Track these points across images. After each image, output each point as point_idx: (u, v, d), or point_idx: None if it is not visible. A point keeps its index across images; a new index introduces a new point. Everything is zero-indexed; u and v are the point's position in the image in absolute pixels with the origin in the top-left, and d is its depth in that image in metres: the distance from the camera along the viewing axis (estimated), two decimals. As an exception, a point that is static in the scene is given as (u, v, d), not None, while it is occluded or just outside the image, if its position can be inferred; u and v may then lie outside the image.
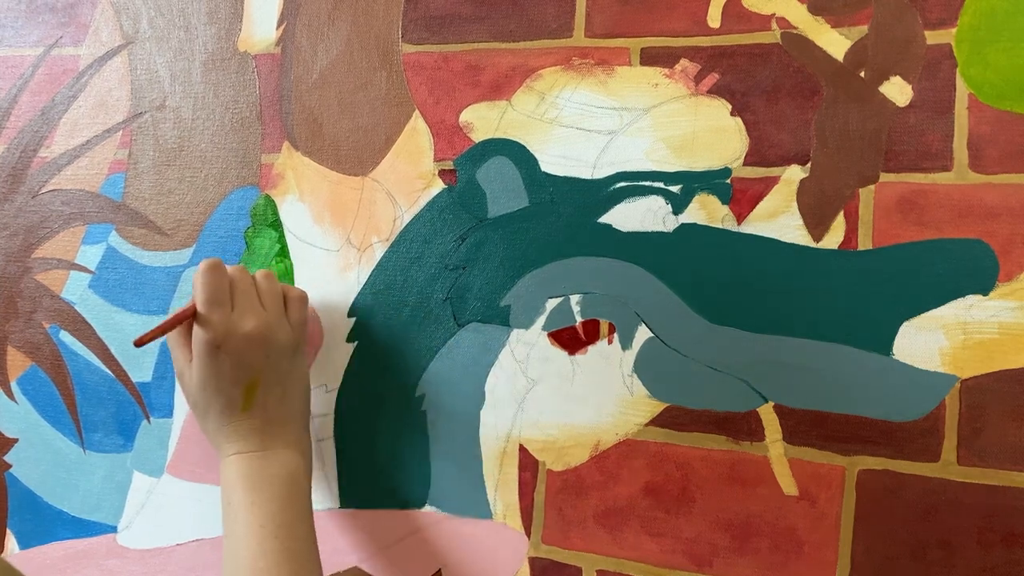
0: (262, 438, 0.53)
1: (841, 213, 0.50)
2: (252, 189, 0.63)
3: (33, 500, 0.66)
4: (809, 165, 0.51)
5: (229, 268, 0.55)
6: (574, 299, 0.54)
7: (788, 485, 0.49)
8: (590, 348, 0.54)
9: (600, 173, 0.54)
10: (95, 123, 0.68)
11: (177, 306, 0.64)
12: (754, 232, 0.51)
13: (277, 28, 0.64)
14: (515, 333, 0.55)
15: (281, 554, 0.48)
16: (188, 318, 0.54)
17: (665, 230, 0.53)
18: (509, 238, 0.56)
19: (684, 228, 0.53)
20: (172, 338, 0.55)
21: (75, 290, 0.67)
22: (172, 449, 0.63)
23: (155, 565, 0.62)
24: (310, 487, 0.54)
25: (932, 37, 0.49)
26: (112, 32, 0.68)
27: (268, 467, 0.52)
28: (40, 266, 0.68)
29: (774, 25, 0.52)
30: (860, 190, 0.50)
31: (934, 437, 0.47)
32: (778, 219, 0.51)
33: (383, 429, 0.58)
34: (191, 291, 0.63)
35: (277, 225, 0.62)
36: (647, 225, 0.53)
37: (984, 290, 0.47)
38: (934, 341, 0.47)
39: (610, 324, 0.53)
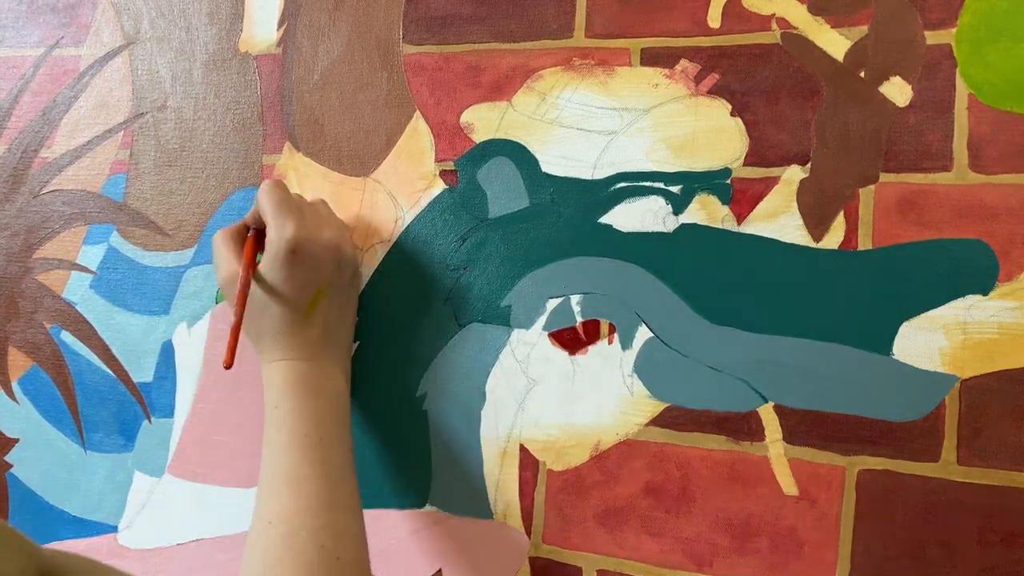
0: (315, 350, 0.52)
1: (841, 213, 0.50)
2: (253, 190, 0.63)
3: (34, 500, 0.66)
4: (809, 165, 0.51)
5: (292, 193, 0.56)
6: (574, 299, 0.54)
7: (788, 485, 0.49)
8: (590, 348, 0.54)
9: (600, 173, 0.54)
10: (96, 123, 0.68)
11: (179, 306, 0.64)
12: (754, 232, 0.51)
13: (278, 29, 0.64)
14: (516, 333, 0.55)
15: (323, 466, 0.47)
16: (251, 239, 0.54)
17: (665, 230, 0.53)
18: (510, 238, 0.56)
19: (684, 228, 0.53)
20: (222, 243, 0.54)
21: (76, 290, 0.67)
22: (173, 449, 0.63)
23: (156, 565, 0.62)
24: (349, 403, 0.54)
25: (932, 37, 0.49)
26: (113, 33, 0.68)
27: (319, 379, 0.51)
28: (41, 266, 0.68)
29: (774, 25, 0.52)
30: (860, 190, 0.50)
31: (934, 437, 0.47)
32: (778, 219, 0.51)
33: (384, 428, 0.58)
34: (191, 291, 0.63)
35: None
36: (647, 225, 0.53)
37: (984, 290, 0.47)
38: (934, 341, 0.47)
39: (610, 324, 0.53)
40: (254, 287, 0.52)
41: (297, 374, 0.51)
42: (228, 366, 0.50)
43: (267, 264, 0.52)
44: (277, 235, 0.51)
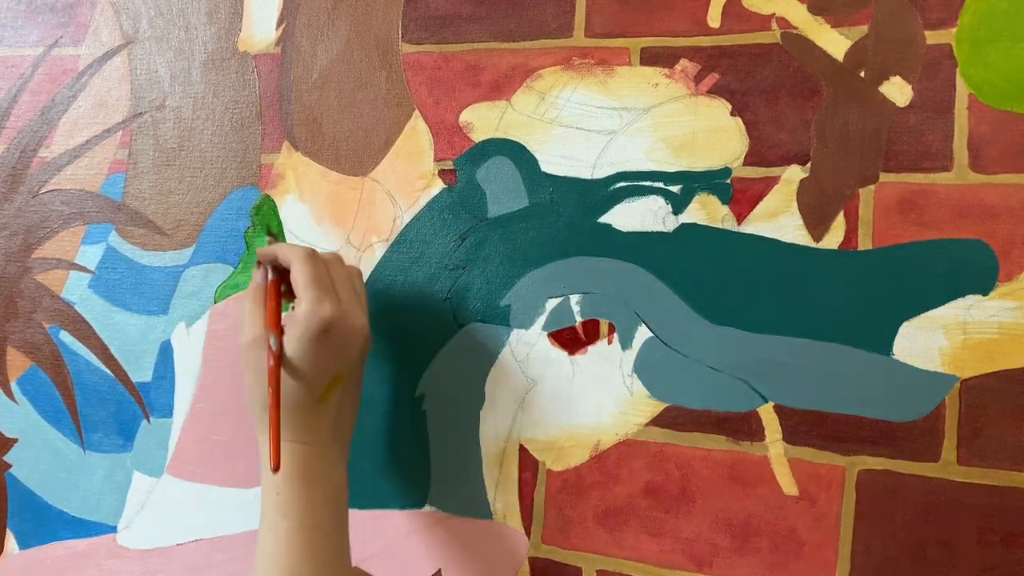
0: (323, 436, 0.49)
1: (841, 213, 0.50)
2: (252, 189, 0.63)
3: (33, 500, 0.66)
4: (809, 165, 0.51)
5: (324, 254, 0.52)
6: (574, 299, 0.54)
7: (788, 485, 0.49)
8: (590, 348, 0.54)
9: (600, 173, 0.54)
10: (95, 123, 0.68)
11: (178, 305, 0.64)
12: (754, 232, 0.51)
13: (277, 28, 0.64)
14: (515, 333, 0.55)
15: (322, 561, 0.46)
16: (275, 300, 0.50)
17: (665, 230, 0.53)
18: (509, 238, 0.56)
19: (684, 228, 0.53)
20: (254, 302, 0.51)
21: (75, 290, 0.67)
22: (172, 449, 0.63)
23: (155, 565, 0.62)
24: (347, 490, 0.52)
25: (932, 37, 0.49)
26: (112, 32, 0.68)
27: (323, 467, 0.49)
28: (40, 266, 0.68)
29: (774, 25, 0.52)
30: (860, 190, 0.50)
31: (934, 437, 0.47)
32: (778, 219, 0.51)
33: (383, 429, 0.58)
34: (190, 290, 0.63)
35: (277, 225, 0.62)
36: (647, 225, 0.53)
37: (984, 290, 0.47)
38: (934, 341, 0.47)
39: (610, 324, 0.53)
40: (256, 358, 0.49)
41: (302, 460, 0.48)
42: (276, 469, 0.46)
43: (294, 340, 0.48)
44: (312, 311, 0.47)
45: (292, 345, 0.48)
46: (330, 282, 0.50)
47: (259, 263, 0.53)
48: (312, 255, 0.50)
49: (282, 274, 0.52)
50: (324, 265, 0.51)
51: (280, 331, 0.48)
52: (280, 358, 0.47)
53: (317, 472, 0.48)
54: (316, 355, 0.48)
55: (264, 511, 0.48)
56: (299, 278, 0.49)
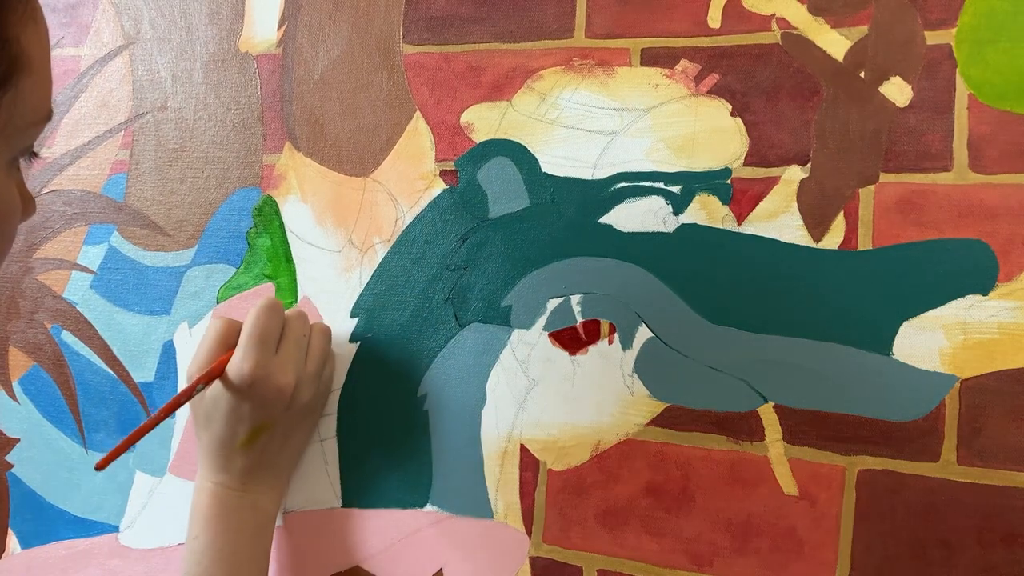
0: (245, 479, 0.54)
1: (841, 213, 0.50)
2: (254, 190, 0.63)
3: (35, 500, 0.67)
4: (809, 165, 0.51)
5: (289, 311, 0.55)
6: (575, 299, 0.54)
7: (788, 485, 0.50)
8: (591, 348, 0.54)
9: (601, 173, 0.54)
10: (96, 123, 0.68)
11: (181, 306, 0.64)
12: (754, 232, 0.51)
13: (278, 29, 0.64)
14: (516, 333, 0.55)
15: None
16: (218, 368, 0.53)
17: (665, 230, 0.53)
18: (510, 238, 0.56)
19: (684, 228, 0.53)
20: (214, 335, 0.54)
21: (77, 290, 0.67)
22: (174, 449, 0.63)
23: (157, 565, 0.62)
24: (274, 524, 0.56)
25: (932, 37, 0.49)
26: (113, 33, 0.68)
27: (241, 511, 0.53)
28: (42, 266, 0.68)
29: (774, 25, 0.52)
30: (860, 190, 0.50)
31: (934, 437, 0.47)
32: (778, 219, 0.51)
33: (385, 429, 0.58)
34: (192, 291, 0.63)
35: (279, 226, 0.62)
36: (647, 225, 0.53)
37: (984, 290, 0.47)
38: (934, 341, 0.48)
39: (611, 324, 0.54)
40: (197, 400, 0.54)
41: (221, 504, 0.53)
42: (100, 468, 0.49)
43: (217, 388, 0.52)
44: (236, 367, 0.51)
45: (214, 391, 0.52)
46: (274, 338, 0.52)
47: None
48: (269, 309, 0.53)
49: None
50: (280, 319, 0.53)
51: (209, 377, 0.52)
52: (189, 396, 0.51)
53: (235, 517, 0.53)
54: (232, 406, 0.52)
55: (184, 557, 0.53)
56: (244, 330, 0.52)
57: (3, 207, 0.40)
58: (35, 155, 0.42)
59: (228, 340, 0.54)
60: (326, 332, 0.58)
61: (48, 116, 0.41)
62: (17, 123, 0.38)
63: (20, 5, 0.37)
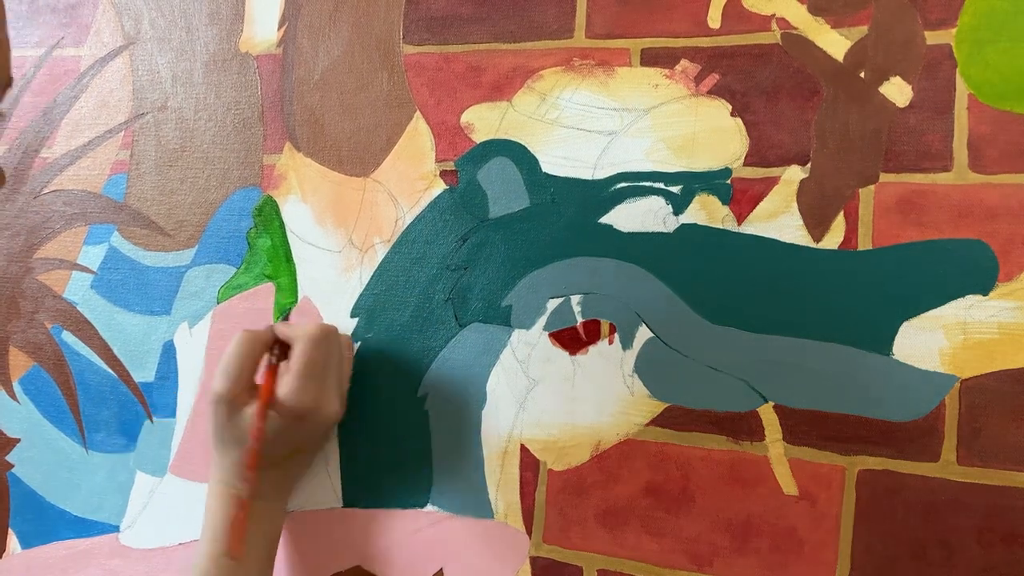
0: (267, 488, 0.54)
1: (841, 213, 0.50)
2: (254, 190, 0.63)
3: (35, 500, 0.67)
4: (809, 165, 0.51)
5: (328, 330, 0.54)
6: (575, 299, 0.54)
7: (788, 485, 0.50)
8: (591, 348, 0.54)
9: (601, 174, 0.54)
10: (97, 124, 0.68)
11: (181, 306, 0.64)
12: (754, 232, 0.51)
13: (278, 29, 0.64)
14: (516, 333, 0.55)
15: None
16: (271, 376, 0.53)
17: (665, 230, 0.53)
18: (510, 239, 0.56)
19: (684, 228, 0.53)
20: (237, 352, 0.53)
21: (77, 290, 0.67)
22: (175, 449, 0.63)
23: (158, 565, 0.62)
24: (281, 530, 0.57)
25: (932, 37, 0.49)
26: (113, 33, 0.68)
27: (263, 520, 0.54)
28: (42, 266, 0.68)
29: (774, 25, 0.52)
30: (860, 190, 0.50)
31: (934, 437, 0.47)
32: (778, 219, 0.51)
33: (385, 429, 0.58)
34: (192, 291, 0.63)
35: (279, 226, 0.62)
36: (648, 225, 0.53)
37: (984, 290, 0.47)
38: (934, 341, 0.48)
39: (611, 324, 0.54)
40: (224, 418, 0.53)
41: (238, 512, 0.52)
42: (235, 555, 0.49)
43: (272, 419, 0.51)
44: (294, 399, 0.51)
45: (269, 424, 0.51)
46: (325, 367, 0.53)
47: (270, 337, 0.55)
48: (318, 341, 0.52)
49: (283, 347, 0.54)
50: (327, 348, 0.53)
51: (267, 405, 0.51)
52: (261, 436, 0.51)
53: (254, 521, 0.53)
54: (284, 436, 0.52)
55: (195, 562, 0.52)
56: (294, 364, 0.52)
57: None
58: (1, 115, 0.42)
59: (255, 354, 0.53)
60: (351, 346, 0.59)
61: (7, 82, 0.40)
62: None
63: None
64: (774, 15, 0.52)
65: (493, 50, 0.58)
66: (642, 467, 0.52)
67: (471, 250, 0.57)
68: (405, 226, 0.59)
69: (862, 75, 0.50)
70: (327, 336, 0.53)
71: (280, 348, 0.54)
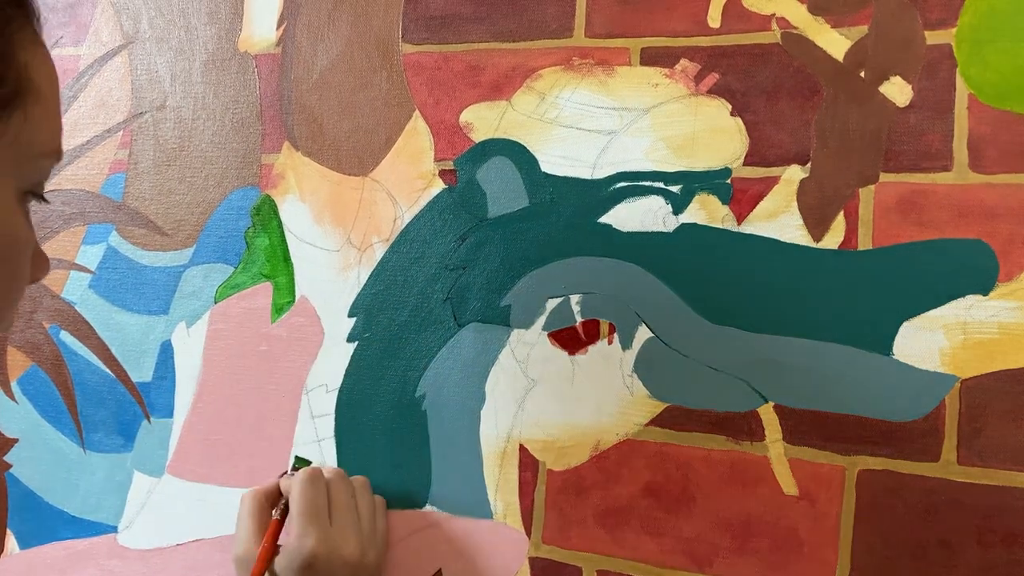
0: None
1: (841, 213, 0.50)
2: (252, 189, 0.63)
3: (33, 500, 0.66)
4: (809, 165, 0.51)
5: (327, 472, 0.54)
6: (574, 299, 0.54)
7: (788, 485, 0.49)
8: (590, 348, 0.54)
9: (600, 173, 0.54)
10: (95, 123, 0.68)
11: (179, 305, 0.64)
12: (754, 232, 0.51)
13: (277, 28, 0.64)
14: (515, 333, 0.55)
15: None
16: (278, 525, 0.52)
17: (665, 230, 0.53)
18: (509, 238, 0.56)
19: (684, 228, 0.53)
20: (248, 514, 0.53)
21: (75, 290, 0.67)
22: (172, 449, 0.63)
23: (156, 565, 0.62)
24: None
25: (932, 37, 0.49)
26: (112, 32, 0.68)
27: None
28: (40, 266, 0.68)
29: (774, 25, 0.52)
30: (860, 190, 0.50)
31: (934, 437, 0.47)
32: (778, 219, 0.51)
33: (383, 429, 0.58)
34: (190, 290, 0.63)
35: (277, 225, 0.62)
36: (647, 225, 0.53)
37: (984, 290, 0.47)
38: (934, 341, 0.47)
39: (610, 324, 0.53)
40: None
41: None
42: None
43: (280, 570, 0.50)
44: (296, 545, 0.49)
45: (279, 572, 0.50)
46: (326, 508, 0.51)
47: (275, 490, 0.55)
48: (312, 480, 0.52)
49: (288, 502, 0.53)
50: (324, 488, 0.52)
51: (269, 557, 0.50)
52: None
53: None
54: None
55: None
56: (293, 507, 0.51)
57: (11, 239, 0.38)
58: (43, 198, 0.41)
59: (264, 509, 0.53)
60: (366, 484, 0.56)
61: (58, 153, 0.39)
62: (26, 151, 0.37)
63: (28, 31, 0.36)
64: (774, 14, 0.52)
65: (492, 49, 0.58)
66: (642, 467, 0.52)
67: (470, 249, 0.57)
68: (404, 225, 0.59)
69: (862, 75, 0.50)
70: (323, 476, 0.52)
71: (286, 503, 0.53)
